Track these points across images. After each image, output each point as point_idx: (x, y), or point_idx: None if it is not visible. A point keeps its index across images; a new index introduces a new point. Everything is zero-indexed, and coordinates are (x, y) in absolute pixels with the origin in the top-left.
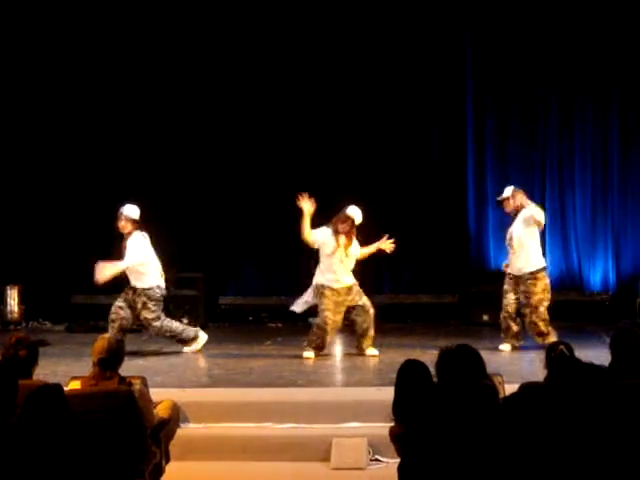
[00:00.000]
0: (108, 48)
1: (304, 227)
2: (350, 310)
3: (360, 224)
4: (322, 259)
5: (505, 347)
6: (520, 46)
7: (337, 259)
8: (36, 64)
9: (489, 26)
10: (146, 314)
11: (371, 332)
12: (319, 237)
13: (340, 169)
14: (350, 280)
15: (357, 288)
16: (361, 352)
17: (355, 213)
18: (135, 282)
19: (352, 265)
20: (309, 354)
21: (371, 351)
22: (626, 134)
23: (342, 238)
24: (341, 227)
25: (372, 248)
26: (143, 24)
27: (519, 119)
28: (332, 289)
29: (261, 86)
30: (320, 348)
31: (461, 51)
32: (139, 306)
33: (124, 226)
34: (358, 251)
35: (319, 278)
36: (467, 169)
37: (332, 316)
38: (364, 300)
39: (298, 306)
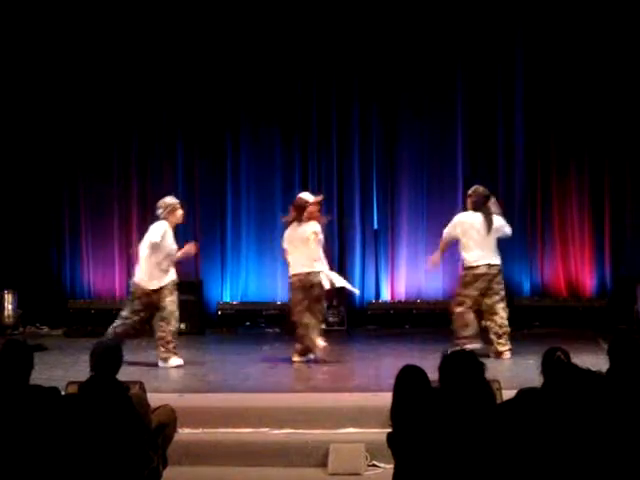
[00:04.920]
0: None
1: None
2: None
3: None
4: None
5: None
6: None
7: None
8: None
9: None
10: (169, 304)
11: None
12: None
13: (337, 176)
14: None
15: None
16: None
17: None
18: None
19: None
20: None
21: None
22: (622, 137)
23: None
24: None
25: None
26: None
27: (519, 124)
28: None
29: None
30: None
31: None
32: (164, 298)
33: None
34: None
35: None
36: (460, 175)
37: None
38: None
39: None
